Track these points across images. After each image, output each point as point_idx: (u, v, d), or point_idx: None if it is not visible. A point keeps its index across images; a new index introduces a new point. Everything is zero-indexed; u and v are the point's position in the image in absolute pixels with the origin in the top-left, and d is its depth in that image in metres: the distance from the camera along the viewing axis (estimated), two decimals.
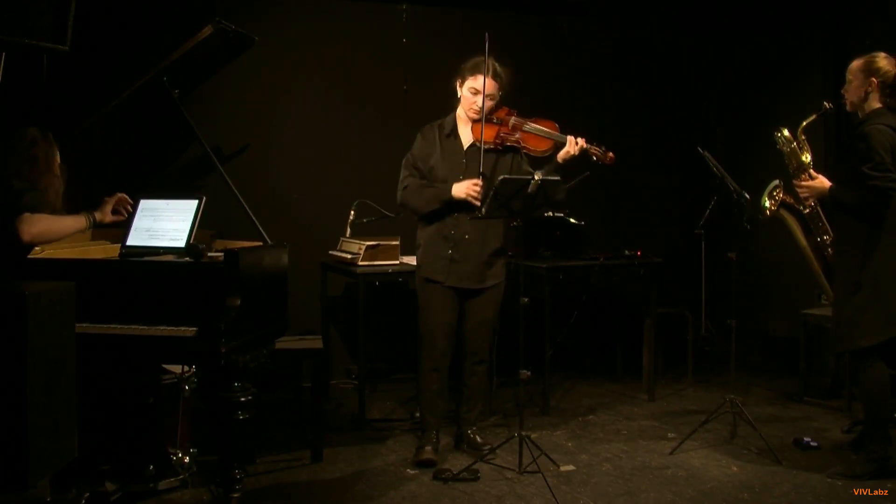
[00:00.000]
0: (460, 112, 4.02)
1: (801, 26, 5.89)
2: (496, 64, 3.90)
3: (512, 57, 4.05)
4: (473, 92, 3.89)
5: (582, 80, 6.23)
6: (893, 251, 3.62)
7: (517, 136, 3.97)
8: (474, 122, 3.95)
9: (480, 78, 3.84)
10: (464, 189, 3.83)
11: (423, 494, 3.63)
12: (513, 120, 3.99)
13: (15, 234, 3.12)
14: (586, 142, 3.92)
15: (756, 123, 6.18)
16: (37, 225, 3.16)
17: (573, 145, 3.89)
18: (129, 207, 3.49)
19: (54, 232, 3.26)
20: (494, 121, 3.95)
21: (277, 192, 5.46)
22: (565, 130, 3.97)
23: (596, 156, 3.98)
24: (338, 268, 4.92)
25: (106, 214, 3.45)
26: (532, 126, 3.99)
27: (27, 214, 3.15)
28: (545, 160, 3.97)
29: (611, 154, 3.99)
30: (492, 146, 3.92)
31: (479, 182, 3.81)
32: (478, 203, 3.79)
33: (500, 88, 3.94)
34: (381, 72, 5.73)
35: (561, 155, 3.91)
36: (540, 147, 3.95)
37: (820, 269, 4.20)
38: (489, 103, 3.89)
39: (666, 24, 6.50)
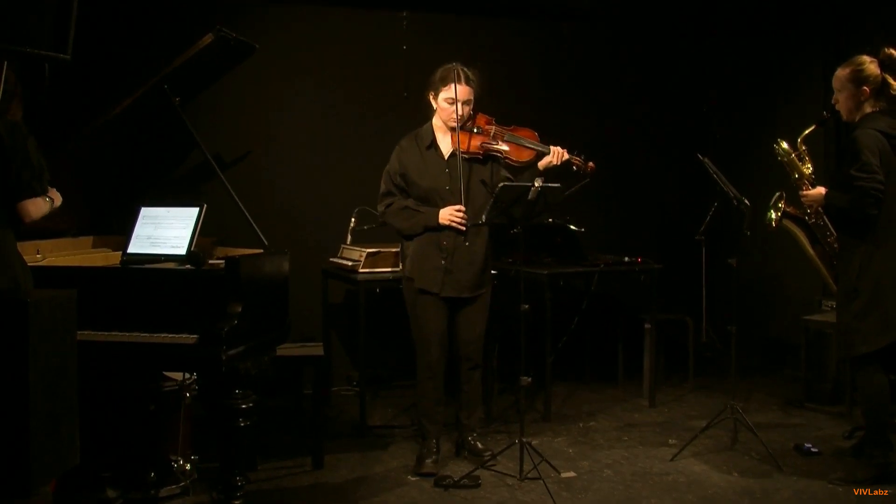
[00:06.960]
0: (437, 122, 4.04)
1: (800, 31, 5.90)
2: (466, 70, 3.90)
3: (511, 63, 4.07)
4: (450, 102, 3.89)
5: (581, 85, 6.24)
6: (890, 257, 3.62)
7: (500, 146, 3.97)
8: (453, 130, 3.96)
9: (452, 87, 3.86)
10: (447, 217, 3.88)
11: (424, 501, 3.63)
12: (494, 129, 3.99)
13: (17, 215, 2.97)
14: (567, 152, 3.94)
15: (755, 129, 6.20)
16: (40, 211, 3.03)
17: (556, 156, 3.91)
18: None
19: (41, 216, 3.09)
20: (475, 130, 3.94)
21: (278, 199, 5.47)
22: (565, 132, 3.97)
23: (577, 165, 4.01)
24: (339, 275, 4.92)
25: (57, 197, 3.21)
26: (513, 136, 3.99)
27: (31, 200, 2.99)
28: (524, 168, 3.98)
29: (591, 164, 4.02)
30: (473, 155, 3.93)
31: (462, 208, 3.86)
32: (463, 229, 3.88)
33: (473, 92, 3.94)
34: (382, 79, 5.74)
35: (542, 164, 3.94)
36: (522, 158, 3.96)
37: (830, 277, 4.20)
38: (466, 109, 3.91)
39: (665, 30, 6.52)
